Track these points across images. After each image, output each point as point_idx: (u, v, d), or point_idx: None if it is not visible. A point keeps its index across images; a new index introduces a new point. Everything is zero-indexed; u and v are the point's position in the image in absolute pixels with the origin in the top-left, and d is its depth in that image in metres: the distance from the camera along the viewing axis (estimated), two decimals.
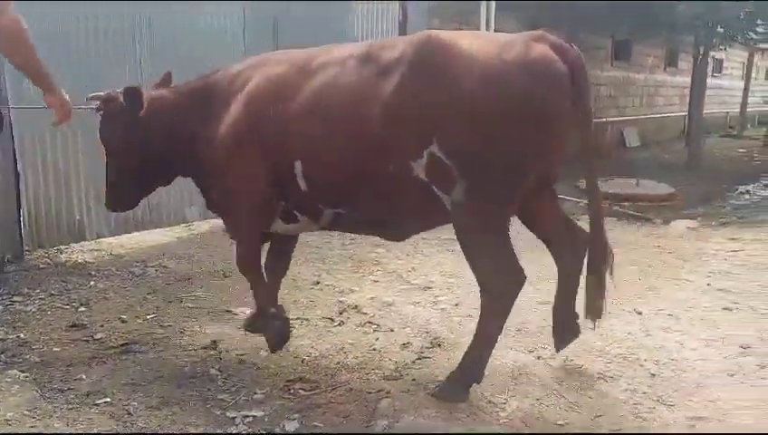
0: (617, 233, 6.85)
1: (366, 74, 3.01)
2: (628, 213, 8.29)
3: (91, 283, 4.82)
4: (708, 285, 4.81)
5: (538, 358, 3.61)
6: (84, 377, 3.24)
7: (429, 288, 4.74)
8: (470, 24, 9.31)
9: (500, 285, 3.04)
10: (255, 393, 3.17)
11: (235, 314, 4.22)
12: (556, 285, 3.47)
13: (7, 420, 2.84)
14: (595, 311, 3.29)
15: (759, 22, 13.02)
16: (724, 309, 4.30)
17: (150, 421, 2.84)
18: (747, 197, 10.33)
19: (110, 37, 5.64)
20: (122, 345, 3.70)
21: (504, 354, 3.63)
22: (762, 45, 20.18)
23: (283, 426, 2.87)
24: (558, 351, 3.48)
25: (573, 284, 3.46)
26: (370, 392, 3.20)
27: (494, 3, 9.20)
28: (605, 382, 3.33)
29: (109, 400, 3.00)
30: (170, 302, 4.47)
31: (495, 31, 9.46)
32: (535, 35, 2.93)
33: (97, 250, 5.63)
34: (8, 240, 4.93)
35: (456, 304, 4.40)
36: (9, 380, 3.17)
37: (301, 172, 3.18)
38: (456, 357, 3.37)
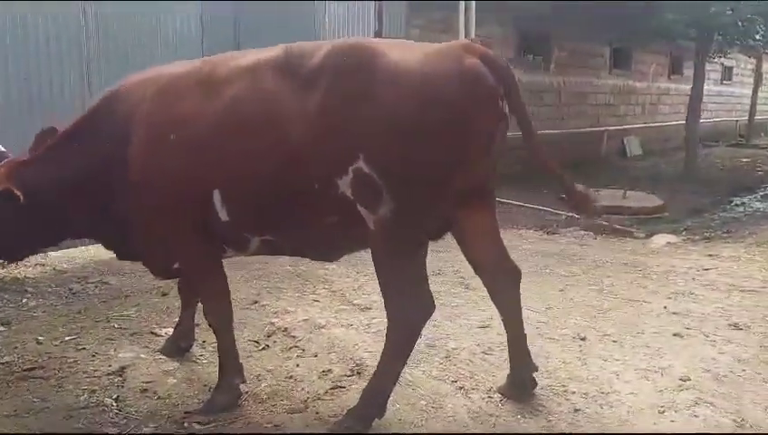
0: (590, 249, 6.61)
1: (282, 86, 2.77)
2: (612, 226, 8.03)
3: (24, 300, 4.67)
4: (665, 308, 4.54)
5: (459, 388, 3.39)
6: None
7: (369, 309, 4.52)
8: (452, 30, 9.12)
9: (405, 314, 2.85)
10: (146, 427, 2.98)
11: (158, 336, 4.04)
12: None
13: None
14: None
15: (759, 29, 12.66)
16: (674, 335, 4.04)
17: None
18: (741, 209, 10.01)
19: (54, 38, 5.42)
20: (26, 370, 3.53)
21: (424, 383, 3.42)
22: None
23: None
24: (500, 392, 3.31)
25: (516, 321, 3.26)
26: (267, 426, 3.01)
27: (473, 4, 8.98)
28: (523, 418, 3.09)
29: None
30: (98, 321, 4.30)
31: (477, 35, 9.28)
32: (466, 46, 2.77)
33: (42, 265, 5.49)
34: None
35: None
36: None
37: (219, 202, 2.90)
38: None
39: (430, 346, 3.90)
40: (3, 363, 3.61)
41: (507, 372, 3.36)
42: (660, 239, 7.27)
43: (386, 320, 4.17)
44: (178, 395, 3.30)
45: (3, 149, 3.49)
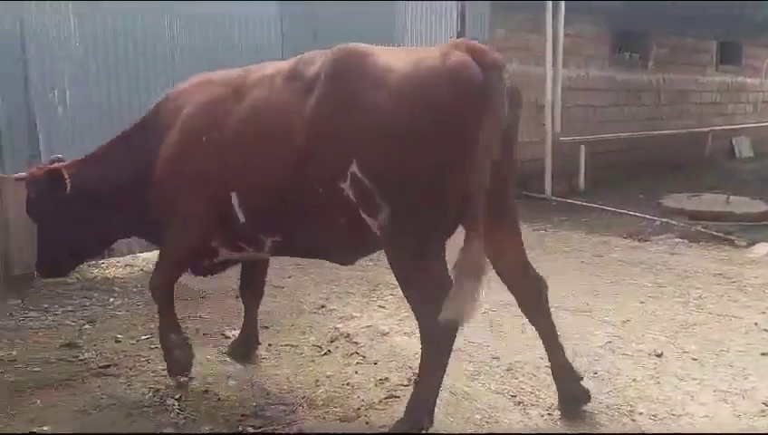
0: (682, 257, 6.21)
1: (290, 93, 2.88)
2: (710, 233, 7.52)
3: (110, 299, 4.93)
4: (755, 324, 4.19)
5: (518, 403, 3.26)
6: (39, 402, 3.26)
7: None
8: (539, 31, 8.86)
9: (432, 321, 2.73)
10: (202, 428, 3.06)
11: (227, 337, 4.15)
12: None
13: None
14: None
15: None
16: (762, 355, 3.72)
17: None
18: None
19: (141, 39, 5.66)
20: (101, 367, 3.71)
21: (482, 396, 3.32)
22: None
23: None
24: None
25: (550, 333, 3.12)
26: (318, 433, 3.01)
27: (562, 3, 8.68)
28: None
29: (47, 429, 2.99)
30: None
31: (566, 36, 8.98)
32: (455, 43, 2.69)
33: (131, 265, 5.78)
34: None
35: None
36: None
37: (237, 204, 3.06)
38: None
39: (494, 358, 3.79)
40: (82, 360, 3.83)
41: None
42: (762, 249, 6.72)
43: None
44: (238, 397, 3.37)
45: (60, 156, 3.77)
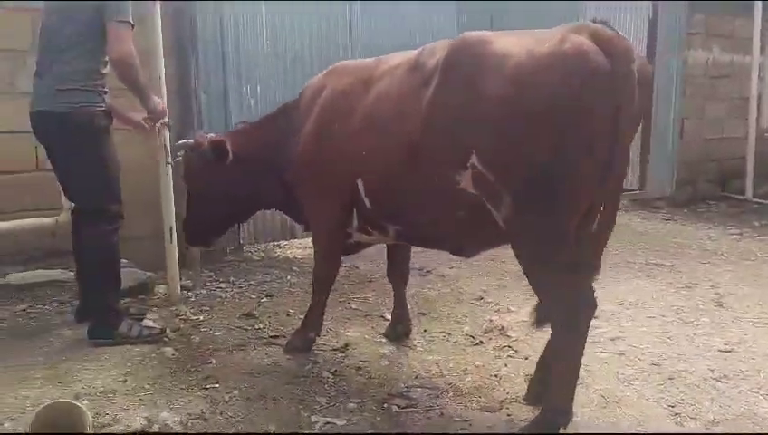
0: None
1: (410, 84, 2.95)
2: None
3: (288, 277, 5.36)
4: None
5: (674, 414, 3.06)
6: (214, 362, 3.66)
7: (594, 318, 4.26)
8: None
9: (563, 313, 2.69)
10: (350, 402, 3.25)
11: (386, 320, 4.33)
12: None
13: (126, 390, 3.29)
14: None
15: None
16: None
17: (239, 411, 3.10)
18: None
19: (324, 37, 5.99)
20: (272, 337, 4.07)
21: (634, 403, 3.17)
22: None
23: None
24: None
25: None
26: (457, 421, 3.06)
27: None
28: None
29: (218, 386, 3.35)
30: (340, 302, 4.76)
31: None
32: (576, 27, 2.54)
33: (310, 247, 6.20)
34: (229, 234, 5.67)
35: (614, 338, 3.94)
36: (156, 355, 3.73)
37: (363, 190, 3.24)
38: (581, 395, 3.12)
39: (654, 365, 3.58)
40: (256, 329, 4.22)
41: (742, 403, 2.96)
42: None
43: (608, 331, 4.01)
44: (387, 377, 3.52)
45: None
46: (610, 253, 5.80)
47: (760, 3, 7.86)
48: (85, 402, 3.05)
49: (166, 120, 4.23)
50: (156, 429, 2.92)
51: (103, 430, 2.89)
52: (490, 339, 4.02)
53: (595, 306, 2.82)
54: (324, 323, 4.22)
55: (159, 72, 4.37)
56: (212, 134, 3.96)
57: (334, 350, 3.87)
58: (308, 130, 3.45)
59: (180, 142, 4.04)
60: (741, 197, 8.32)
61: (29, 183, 4.84)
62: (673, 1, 7.57)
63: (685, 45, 7.82)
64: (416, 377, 3.52)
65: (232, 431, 2.93)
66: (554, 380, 2.82)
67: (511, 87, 2.54)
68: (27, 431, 2.63)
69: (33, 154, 4.75)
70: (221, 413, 3.07)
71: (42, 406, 2.73)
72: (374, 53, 3.57)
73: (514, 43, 2.63)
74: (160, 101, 4.08)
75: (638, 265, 5.61)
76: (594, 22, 2.57)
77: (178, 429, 2.93)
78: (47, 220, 4.63)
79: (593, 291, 2.80)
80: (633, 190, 7.93)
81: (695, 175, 8.32)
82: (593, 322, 4.17)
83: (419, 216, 3.12)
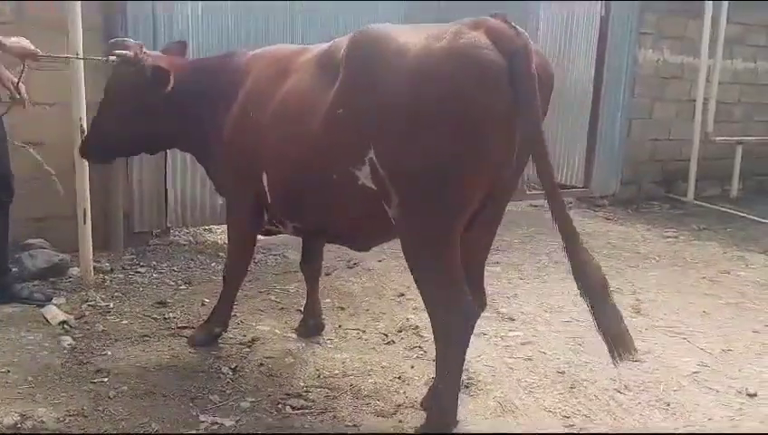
0: None
1: (316, 77, 2.92)
2: None
3: (213, 264, 5.22)
4: None
5: (568, 426, 3.04)
6: (110, 353, 3.54)
7: (512, 320, 4.25)
8: None
9: (443, 317, 2.68)
10: (244, 401, 3.16)
11: (302, 314, 4.24)
12: None
13: (6, 381, 3.16)
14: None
15: None
16: None
17: (123, 409, 2.99)
18: None
19: None
20: (179, 328, 3.95)
21: (531, 412, 3.13)
22: None
23: None
24: None
25: None
26: (349, 425, 3.00)
27: None
28: None
29: (106, 380, 3.23)
30: (260, 292, 4.66)
31: (733, 24, 8.05)
32: (474, 22, 2.48)
33: None
34: (156, 217, 5.54)
35: (525, 343, 3.91)
36: (49, 343, 3.59)
37: (266, 184, 3.18)
38: (480, 401, 3.19)
39: (559, 372, 3.57)
40: (166, 319, 4.10)
41: (636, 415, 2.97)
42: None
43: (527, 335, 4.00)
44: (289, 375, 3.44)
45: None
46: (541, 253, 5.81)
47: (710, 3, 7.86)
48: None
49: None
50: (29, 426, 2.80)
51: None
52: (402, 338, 3.96)
53: (476, 316, 2.77)
54: (237, 315, 4.13)
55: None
56: (153, 52, 3.72)
57: (240, 344, 3.78)
58: (233, 113, 3.34)
59: (118, 51, 3.60)
60: (684, 199, 8.38)
61: None
62: (625, 0, 7.52)
63: (635, 45, 7.80)
64: (318, 376, 3.45)
65: (110, 430, 2.82)
66: (436, 386, 2.79)
67: (405, 81, 2.48)
68: None
69: None
70: (103, 410, 2.96)
71: None
72: None
73: (412, 36, 2.57)
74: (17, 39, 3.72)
75: (568, 266, 5.58)
76: (493, 16, 2.49)
77: (54, 426, 2.82)
78: None
79: (472, 301, 2.71)
80: (578, 188, 7.93)
81: (640, 175, 8.34)
82: (508, 324, 4.22)
83: (314, 213, 3.13)
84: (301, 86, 3.01)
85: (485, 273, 3.07)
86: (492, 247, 3.06)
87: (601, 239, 6.44)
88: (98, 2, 4.92)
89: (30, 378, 3.20)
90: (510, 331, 4.08)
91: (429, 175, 2.49)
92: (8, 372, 3.25)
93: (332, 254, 5.49)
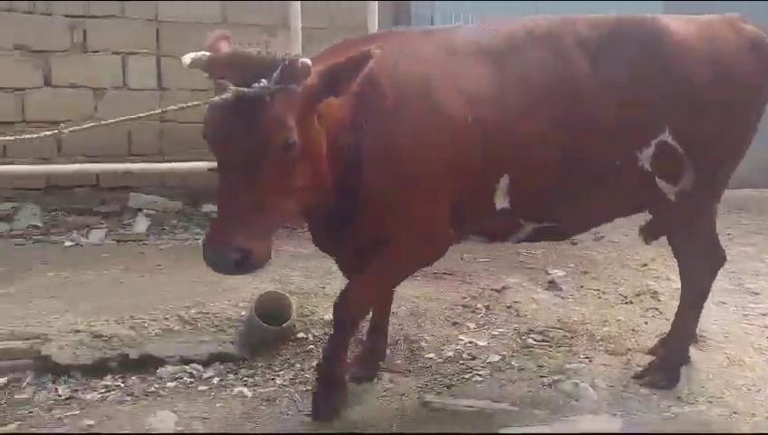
0: None
1: (572, 58, 2.76)
2: None
3: None
4: None
5: None
6: None
7: (756, 294, 4.33)
8: None
9: (697, 272, 3.21)
10: (495, 329, 3.80)
11: (549, 274, 4.75)
12: None
13: None
14: None
15: None
16: None
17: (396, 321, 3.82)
18: None
19: None
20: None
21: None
22: None
23: None
24: None
25: None
26: (580, 359, 3.49)
27: None
28: None
29: None
30: (510, 253, 5.22)
31: None
32: (730, 18, 2.97)
33: None
34: None
35: (765, 314, 4.02)
36: None
37: (505, 188, 2.77)
38: (709, 354, 3.52)
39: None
40: None
41: None
42: None
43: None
44: (532, 317, 3.98)
45: None
46: None
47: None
48: None
49: None
50: None
51: None
52: (641, 301, 4.27)
53: (724, 260, 3.28)
54: (490, 269, 4.76)
55: None
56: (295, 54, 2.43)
57: (492, 290, 4.35)
58: (417, 121, 2.62)
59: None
60: None
61: None
62: None
63: None
64: (558, 320, 3.94)
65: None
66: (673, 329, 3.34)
67: (711, 71, 2.87)
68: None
69: None
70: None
71: None
72: None
73: (690, 28, 2.95)
74: None
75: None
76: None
77: None
78: None
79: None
80: None
81: None
82: (751, 298, 4.34)
83: (584, 205, 2.97)
84: (538, 76, 2.75)
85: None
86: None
87: None
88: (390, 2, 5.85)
89: None
90: (751, 303, 4.18)
91: (727, 149, 2.99)
92: None
93: None
